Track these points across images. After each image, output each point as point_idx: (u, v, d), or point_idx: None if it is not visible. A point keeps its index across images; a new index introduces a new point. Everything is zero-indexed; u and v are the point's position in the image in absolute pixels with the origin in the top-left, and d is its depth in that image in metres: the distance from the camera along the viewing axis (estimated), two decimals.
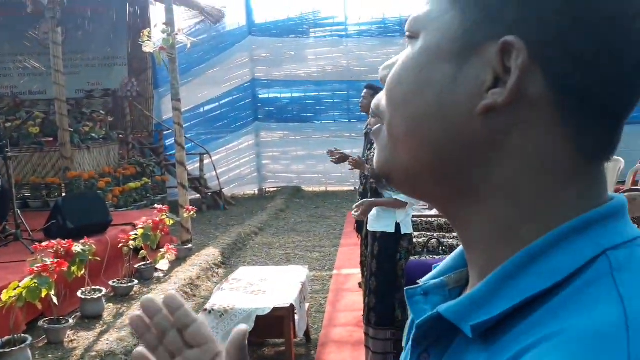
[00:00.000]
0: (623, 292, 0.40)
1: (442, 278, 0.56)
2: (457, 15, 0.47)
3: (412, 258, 3.64)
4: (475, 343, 0.45)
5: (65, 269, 4.25)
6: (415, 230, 4.02)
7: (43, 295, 3.87)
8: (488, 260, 0.48)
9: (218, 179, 10.55)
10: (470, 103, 0.45)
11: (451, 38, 0.47)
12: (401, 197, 3.28)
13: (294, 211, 10.02)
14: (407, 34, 0.52)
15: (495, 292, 0.44)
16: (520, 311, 0.43)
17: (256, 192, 12.29)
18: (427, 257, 3.79)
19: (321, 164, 11.66)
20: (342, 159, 4.10)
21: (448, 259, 0.59)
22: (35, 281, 3.85)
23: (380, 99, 0.54)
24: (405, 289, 0.57)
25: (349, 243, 6.93)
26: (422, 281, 0.58)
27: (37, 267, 3.94)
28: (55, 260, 4.15)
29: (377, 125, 0.55)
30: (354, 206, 3.65)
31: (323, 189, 12.14)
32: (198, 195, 10.19)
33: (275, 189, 12.32)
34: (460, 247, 0.55)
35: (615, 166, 6.81)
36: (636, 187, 4.47)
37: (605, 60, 0.44)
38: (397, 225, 3.51)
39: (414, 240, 3.84)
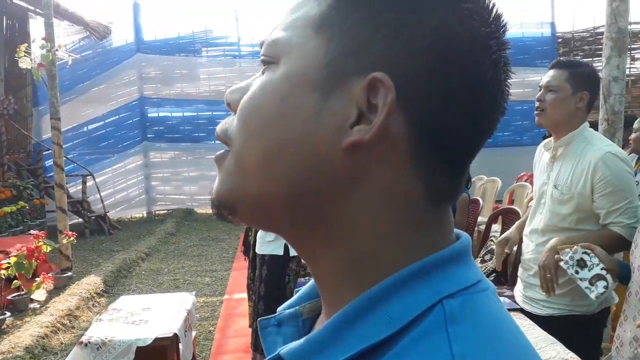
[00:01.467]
0: (455, 349, 0.39)
1: (296, 308, 0.55)
2: (323, 43, 0.45)
3: (300, 280, 3.62)
4: None
5: None
6: None
7: None
8: (335, 299, 0.47)
9: (102, 201, 10.05)
10: (333, 137, 0.44)
11: (316, 67, 0.45)
12: None
13: (185, 234, 9.73)
14: (262, 58, 0.49)
15: (334, 338, 0.43)
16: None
17: (145, 215, 11.83)
18: None
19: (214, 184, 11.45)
20: None
21: (304, 287, 0.57)
22: None
23: (229, 124, 0.50)
24: (258, 320, 0.55)
25: (241, 266, 6.80)
26: (279, 310, 0.56)
27: None
28: None
29: (221, 152, 0.51)
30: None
31: None
32: (81, 220, 9.65)
33: (165, 211, 11.93)
34: None
35: (493, 186, 7.23)
36: (512, 207, 4.74)
37: (462, 105, 0.44)
38: (286, 247, 3.49)
39: (302, 261, 3.83)
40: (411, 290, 0.42)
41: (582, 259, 2.11)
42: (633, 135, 4.04)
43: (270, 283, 3.53)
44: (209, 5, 11.97)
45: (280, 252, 3.52)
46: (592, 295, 2.13)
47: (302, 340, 0.45)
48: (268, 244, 3.57)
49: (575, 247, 2.13)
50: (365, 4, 0.44)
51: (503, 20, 0.46)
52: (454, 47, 0.43)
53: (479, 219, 5.45)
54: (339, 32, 0.44)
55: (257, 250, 3.74)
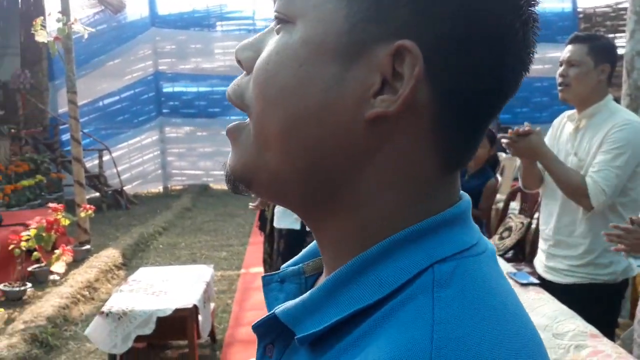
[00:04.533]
0: (437, 314, 0.39)
1: (300, 265, 0.55)
2: (343, 6, 0.42)
3: None
4: (305, 349, 0.45)
5: None
6: None
7: None
8: (336, 262, 0.46)
9: (119, 176, 10.12)
10: (355, 108, 0.42)
11: (336, 33, 0.42)
12: None
13: (201, 209, 9.80)
14: (275, 14, 0.46)
15: (327, 299, 0.43)
16: (348, 323, 0.42)
17: (161, 190, 11.93)
18: None
19: None
20: None
21: (309, 245, 0.57)
22: None
23: (244, 87, 0.48)
24: (262, 276, 0.55)
25: (257, 241, 6.82)
26: (283, 267, 0.56)
27: None
28: None
29: (234, 124, 0.49)
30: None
31: None
32: (98, 194, 9.74)
33: (181, 186, 12.02)
34: None
35: (511, 164, 7.17)
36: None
37: (490, 72, 0.42)
38: (303, 222, 3.52)
39: None
40: (404, 254, 0.42)
41: None
42: None
43: (287, 256, 3.56)
44: None
45: (297, 227, 3.62)
46: None
47: (297, 300, 0.45)
48: (285, 218, 3.66)
49: None
50: None
51: None
52: (481, 10, 0.41)
53: (497, 196, 5.42)
54: None
55: (274, 224, 3.80)
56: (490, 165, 4.08)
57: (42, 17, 6.60)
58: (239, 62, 0.49)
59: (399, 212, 0.44)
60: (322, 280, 0.51)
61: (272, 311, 0.46)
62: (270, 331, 0.49)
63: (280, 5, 0.45)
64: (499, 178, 5.45)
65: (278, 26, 0.46)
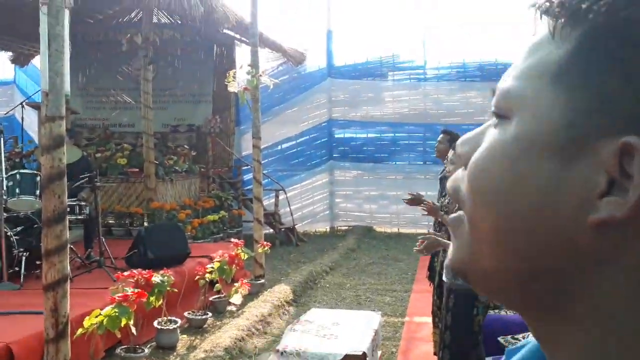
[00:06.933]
0: None
1: None
2: (561, 99, 0.38)
3: (490, 312, 3.54)
4: None
5: (144, 299, 4.41)
6: None
7: (122, 324, 4.01)
8: None
9: (292, 215, 10.70)
10: (577, 210, 0.38)
11: (552, 129, 0.39)
12: None
13: (365, 251, 10.00)
14: (493, 109, 0.44)
15: None
16: None
17: (328, 229, 12.36)
18: (507, 312, 3.68)
19: (394, 204, 11.64)
20: (416, 200, 4.04)
21: (530, 347, 0.50)
22: (116, 310, 3.98)
23: (460, 182, 0.46)
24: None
25: (422, 289, 6.78)
26: None
27: (118, 296, 4.09)
28: (136, 291, 4.31)
29: (457, 214, 0.46)
30: (419, 238, 3.56)
31: (395, 230, 12.05)
32: (272, 230, 10.36)
33: (346, 227, 12.34)
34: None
35: None
36: None
37: None
38: None
39: None
40: None
41: None
42: None
43: (457, 313, 3.49)
44: (397, 31, 12.28)
45: (469, 285, 3.48)
46: None
47: None
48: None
49: None
50: (613, 48, 0.37)
51: None
52: None
53: None
54: (581, 85, 0.38)
55: (443, 278, 3.73)
56: None
57: (234, 70, 7.32)
58: (459, 157, 0.47)
59: None
60: None
61: None
62: None
63: (496, 100, 0.43)
64: None
65: (496, 121, 0.43)
